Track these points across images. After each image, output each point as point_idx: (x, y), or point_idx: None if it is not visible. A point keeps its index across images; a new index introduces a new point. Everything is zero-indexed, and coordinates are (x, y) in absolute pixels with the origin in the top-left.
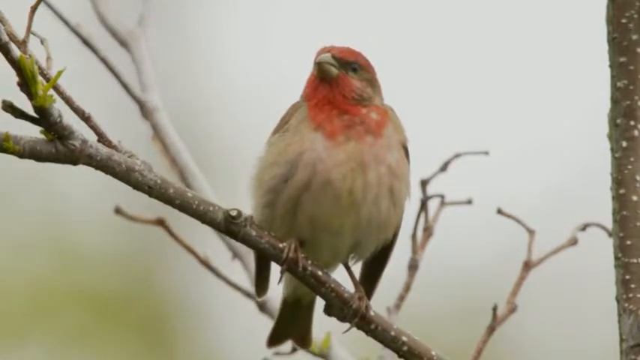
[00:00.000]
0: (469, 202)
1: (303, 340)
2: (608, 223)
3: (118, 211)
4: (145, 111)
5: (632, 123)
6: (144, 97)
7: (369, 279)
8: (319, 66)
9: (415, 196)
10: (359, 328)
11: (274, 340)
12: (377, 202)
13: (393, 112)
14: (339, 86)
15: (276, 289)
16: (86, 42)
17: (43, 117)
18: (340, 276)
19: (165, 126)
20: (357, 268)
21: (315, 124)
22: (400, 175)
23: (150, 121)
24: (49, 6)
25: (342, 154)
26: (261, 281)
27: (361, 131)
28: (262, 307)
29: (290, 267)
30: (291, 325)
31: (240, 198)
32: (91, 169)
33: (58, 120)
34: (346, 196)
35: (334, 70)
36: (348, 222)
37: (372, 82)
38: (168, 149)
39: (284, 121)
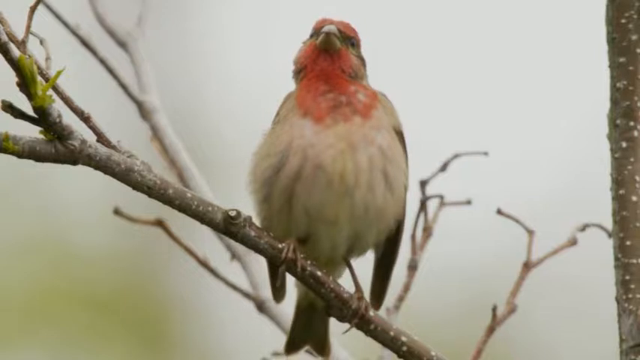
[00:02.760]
0: (468, 202)
1: (321, 349)
2: (608, 224)
3: (117, 211)
4: (144, 112)
5: (631, 124)
6: (142, 97)
7: (382, 279)
8: (328, 37)
9: (415, 196)
10: (358, 328)
11: (291, 347)
12: (371, 188)
13: (384, 96)
14: (341, 59)
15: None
16: (85, 42)
17: (42, 117)
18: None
19: (164, 126)
20: (368, 270)
21: (302, 110)
22: (393, 158)
23: (149, 121)
24: (48, 7)
25: (331, 137)
26: (278, 286)
27: (347, 112)
28: (261, 308)
29: (289, 267)
30: (306, 330)
31: (239, 198)
32: (91, 170)
33: (58, 120)
34: (338, 181)
35: (338, 43)
36: (344, 210)
37: (363, 59)
38: (167, 150)
39: (276, 113)
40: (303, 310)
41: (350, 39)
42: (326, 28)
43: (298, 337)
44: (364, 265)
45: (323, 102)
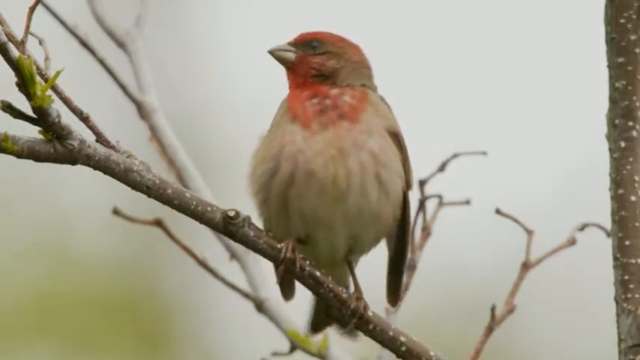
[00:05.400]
0: (467, 202)
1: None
2: (607, 224)
3: (116, 211)
4: (143, 112)
5: (630, 123)
6: (141, 97)
7: (395, 276)
8: (272, 55)
9: (413, 196)
10: (357, 328)
11: (315, 327)
12: (364, 192)
13: (379, 97)
14: (300, 68)
15: (273, 290)
16: (84, 43)
17: (41, 117)
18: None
19: (163, 127)
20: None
21: (292, 116)
22: (386, 161)
23: (147, 121)
24: (47, 7)
25: (321, 143)
26: (286, 284)
27: (334, 117)
28: (260, 308)
29: (288, 267)
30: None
31: (238, 198)
32: (91, 173)
33: (57, 120)
34: (331, 187)
35: (290, 55)
36: (338, 214)
37: (338, 54)
38: (166, 150)
39: (274, 117)
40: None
41: (308, 43)
42: (268, 50)
43: (321, 318)
44: (365, 265)
45: (309, 107)
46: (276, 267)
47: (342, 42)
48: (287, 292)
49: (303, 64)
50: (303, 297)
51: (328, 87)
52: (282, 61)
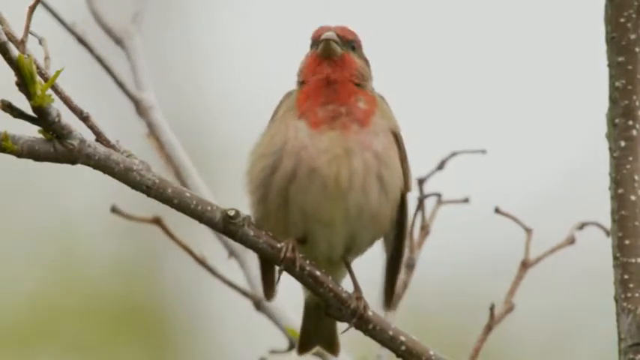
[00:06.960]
0: (466, 200)
1: (331, 346)
2: (607, 223)
3: (114, 210)
4: (141, 109)
5: (630, 123)
6: (139, 94)
7: (391, 278)
8: (327, 44)
9: (412, 194)
10: (357, 328)
11: (303, 347)
12: (365, 191)
13: (382, 99)
14: (344, 65)
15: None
16: (81, 40)
17: (41, 116)
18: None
19: (161, 124)
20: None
21: (299, 112)
22: (388, 161)
23: (145, 118)
24: (45, 5)
25: (326, 142)
26: (269, 283)
27: (346, 121)
28: (258, 306)
29: (288, 267)
30: (316, 329)
31: (236, 197)
32: (90, 175)
33: (57, 119)
34: (333, 184)
35: (339, 49)
36: (338, 212)
37: (367, 61)
38: (164, 147)
39: (274, 112)
40: (312, 309)
41: (350, 42)
42: (324, 35)
43: (309, 336)
44: (365, 265)
45: (321, 112)
46: (279, 267)
47: (362, 49)
48: (269, 290)
49: (348, 62)
50: (303, 296)
51: (351, 92)
52: (332, 51)
